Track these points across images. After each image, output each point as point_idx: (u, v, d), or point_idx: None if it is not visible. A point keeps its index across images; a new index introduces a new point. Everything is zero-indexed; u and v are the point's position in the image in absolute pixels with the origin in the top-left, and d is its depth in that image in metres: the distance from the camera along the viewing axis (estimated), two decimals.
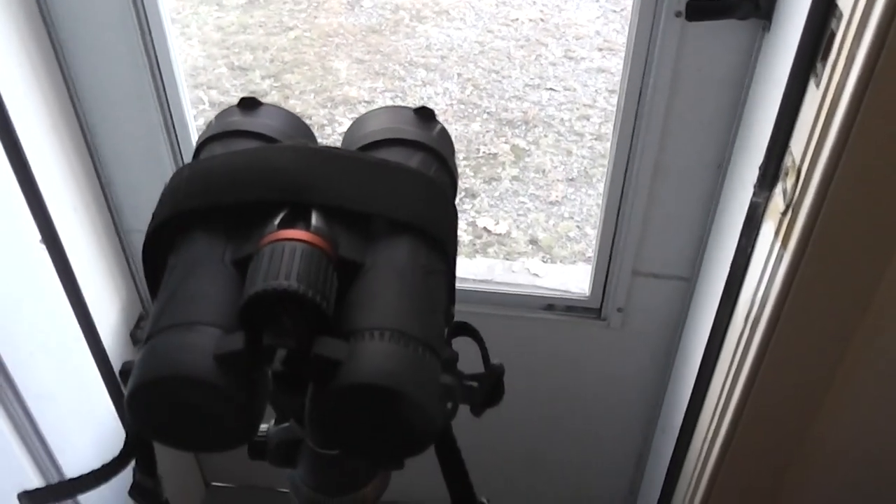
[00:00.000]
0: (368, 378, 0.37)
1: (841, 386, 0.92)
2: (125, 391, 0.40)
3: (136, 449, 0.62)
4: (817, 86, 0.77)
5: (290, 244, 0.40)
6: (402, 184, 0.46)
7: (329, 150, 0.47)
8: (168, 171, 1.20)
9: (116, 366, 1.25)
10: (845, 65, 0.71)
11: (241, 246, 0.42)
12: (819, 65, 0.77)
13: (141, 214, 1.25)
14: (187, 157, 1.20)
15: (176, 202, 0.46)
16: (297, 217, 0.42)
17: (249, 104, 0.53)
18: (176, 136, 1.18)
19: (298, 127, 0.53)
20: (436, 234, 0.44)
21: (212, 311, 0.40)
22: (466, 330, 0.45)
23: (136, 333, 1.34)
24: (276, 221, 0.41)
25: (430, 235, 0.44)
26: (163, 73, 1.11)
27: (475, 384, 0.43)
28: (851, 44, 0.70)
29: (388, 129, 0.51)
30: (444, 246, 0.45)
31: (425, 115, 0.53)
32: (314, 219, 0.42)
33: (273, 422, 0.39)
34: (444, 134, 0.53)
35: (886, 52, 0.68)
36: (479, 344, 0.45)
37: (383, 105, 0.56)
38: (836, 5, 0.74)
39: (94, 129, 1.15)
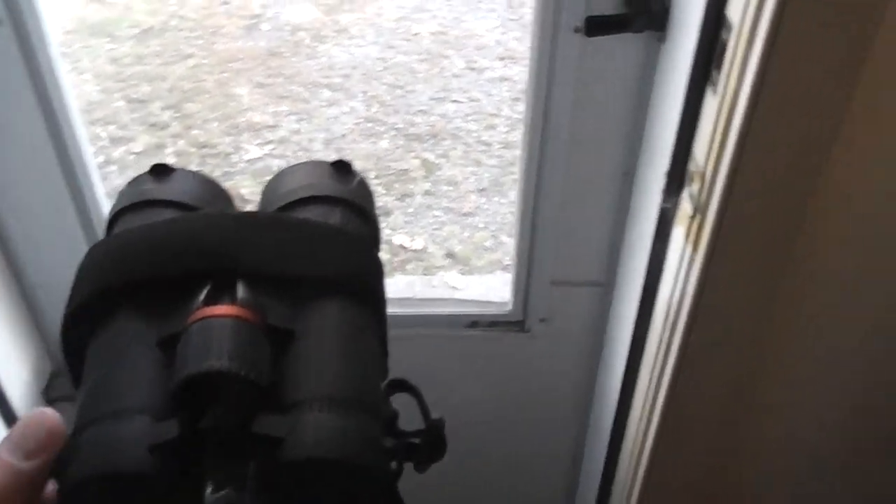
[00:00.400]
0: (311, 451, 0.36)
1: (761, 379, 0.96)
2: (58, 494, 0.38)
3: None
4: (714, 93, 0.80)
5: (219, 321, 0.38)
6: (327, 243, 0.45)
7: (248, 216, 0.46)
8: (71, 221, 1.15)
9: None
10: (739, 72, 0.74)
11: (167, 325, 0.40)
12: (714, 73, 0.80)
13: (44, 268, 1.20)
14: (91, 204, 1.16)
15: (92, 281, 0.43)
16: (223, 289, 0.41)
17: (161, 171, 0.51)
18: (77, 181, 1.13)
19: (214, 191, 0.52)
20: (363, 290, 0.44)
21: (140, 397, 0.38)
22: (403, 386, 0.44)
23: (49, 392, 1.28)
24: (201, 297, 0.40)
25: (357, 293, 0.43)
26: (57, 113, 1.07)
27: (417, 440, 0.42)
28: (744, 52, 0.73)
29: (305, 186, 0.50)
30: (372, 301, 0.44)
31: (342, 168, 0.52)
32: (240, 290, 0.40)
33: (209, 490, 0.37)
34: (363, 185, 0.52)
35: (775, 58, 0.71)
36: (417, 399, 0.45)
37: (298, 162, 0.54)
38: (725, 17, 0.77)
39: None
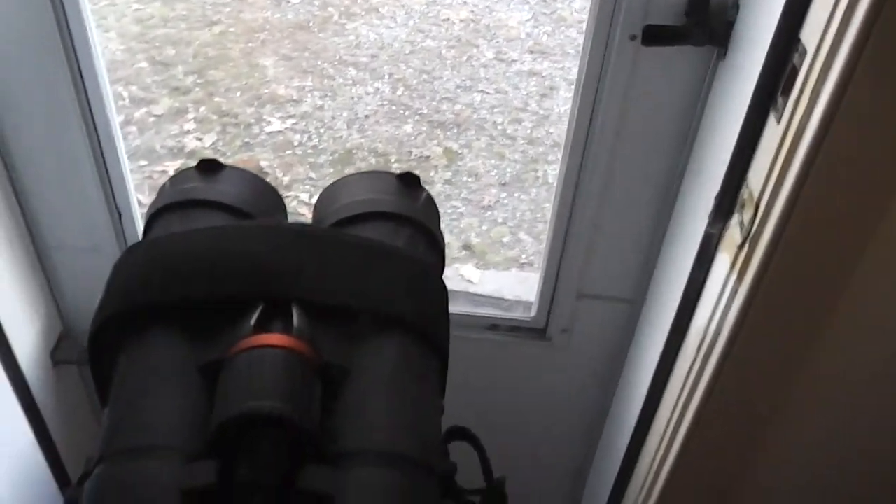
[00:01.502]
0: None
1: (788, 420, 0.92)
2: None
3: None
4: (778, 121, 0.76)
5: (271, 352, 0.34)
6: (391, 271, 0.40)
7: (305, 230, 0.41)
8: (90, 182, 1.12)
9: (35, 388, 1.17)
10: (809, 102, 0.70)
11: (209, 349, 0.36)
12: (780, 98, 0.76)
13: (60, 229, 1.17)
14: (111, 165, 1.12)
15: (128, 293, 0.39)
16: (275, 315, 0.37)
17: (209, 167, 0.47)
18: (99, 140, 1.10)
19: (267, 194, 0.47)
20: (429, 329, 0.40)
21: (175, 431, 0.34)
22: (464, 435, 0.40)
23: (56, 354, 1.25)
24: (252, 321, 0.36)
25: (423, 332, 0.39)
26: (83, 70, 1.03)
27: (476, 500, 0.38)
28: (816, 81, 0.69)
29: (369, 200, 0.46)
30: (438, 341, 0.40)
31: (409, 181, 0.48)
32: (295, 318, 0.36)
33: None
34: (430, 202, 0.48)
35: (851, 91, 0.67)
36: (478, 452, 0.41)
37: (361, 171, 0.49)
38: (799, 41, 0.73)
39: (7, 136, 1.07)
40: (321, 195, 0.48)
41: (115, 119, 1.11)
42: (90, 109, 1.07)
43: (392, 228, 0.45)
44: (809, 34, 0.71)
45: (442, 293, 0.43)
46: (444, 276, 0.44)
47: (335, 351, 0.37)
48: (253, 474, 0.32)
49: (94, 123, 1.08)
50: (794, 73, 0.74)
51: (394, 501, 0.33)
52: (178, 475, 0.33)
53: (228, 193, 0.46)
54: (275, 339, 0.35)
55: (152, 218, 0.45)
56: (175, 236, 0.42)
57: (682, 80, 0.95)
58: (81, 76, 1.03)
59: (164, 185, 0.47)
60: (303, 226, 0.42)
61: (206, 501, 0.33)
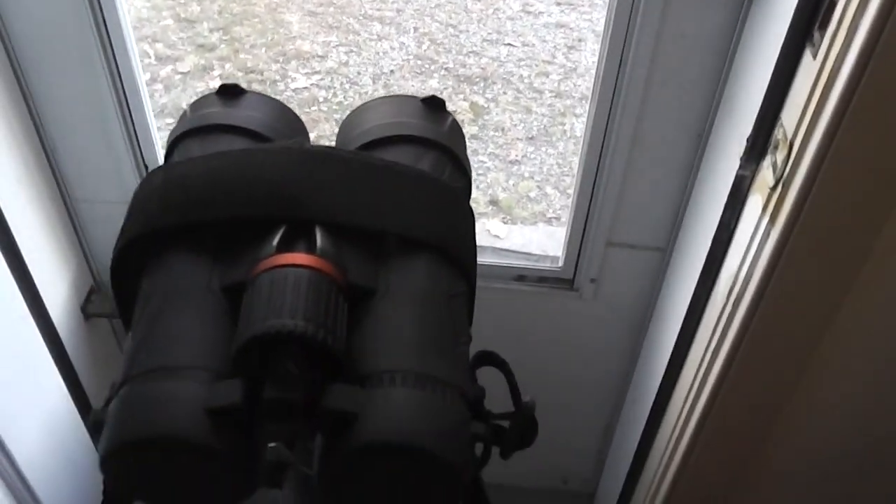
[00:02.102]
0: (389, 436, 0.32)
1: (820, 367, 0.91)
2: (97, 448, 0.34)
3: None
4: (814, 56, 0.74)
5: (294, 271, 0.33)
6: (417, 194, 0.39)
7: (330, 152, 0.40)
8: (117, 137, 1.12)
9: (67, 342, 1.19)
10: (846, 37, 0.68)
11: (232, 270, 0.36)
12: (816, 34, 0.74)
13: (89, 183, 1.18)
14: (138, 120, 1.12)
15: (149, 216, 0.38)
16: (298, 236, 0.36)
17: (230, 92, 0.46)
18: (125, 97, 1.10)
19: (288, 119, 0.46)
20: (456, 252, 0.39)
21: (199, 351, 0.34)
22: (493, 360, 0.40)
23: (87, 308, 1.27)
24: (275, 241, 0.35)
25: (450, 254, 0.39)
26: (108, 25, 1.03)
27: (505, 424, 0.37)
28: (854, 15, 0.66)
29: (394, 123, 0.45)
30: (464, 264, 0.40)
31: (435, 105, 0.46)
32: (319, 238, 0.35)
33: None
34: (456, 127, 0.47)
35: (890, 26, 0.64)
36: (507, 377, 0.40)
37: (386, 95, 0.48)
38: None
39: (36, 92, 1.07)
40: (345, 120, 0.47)
41: (142, 76, 1.11)
42: (117, 67, 1.07)
43: (418, 152, 0.44)
44: None
45: (468, 217, 0.42)
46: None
47: (361, 272, 0.37)
48: (279, 392, 0.32)
49: (121, 81, 1.08)
50: (833, 5, 0.71)
51: (421, 422, 0.33)
52: (204, 394, 0.32)
53: (249, 118, 0.45)
54: (298, 258, 0.35)
55: (173, 144, 0.45)
56: (195, 160, 0.42)
57: (715, 19, 0.92)
58: (108, 33, 1.03)
59: (184, 112, 0.46)
60: (326, 148, 0.41)
61: (232, 420, 0.33)
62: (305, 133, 0.47)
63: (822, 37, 0.72)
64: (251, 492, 0.35)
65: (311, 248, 0.36)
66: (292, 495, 0.49)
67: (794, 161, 0.76)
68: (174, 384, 0.33)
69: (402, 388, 0.33)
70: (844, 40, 0.68)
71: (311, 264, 0.34)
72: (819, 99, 0.72)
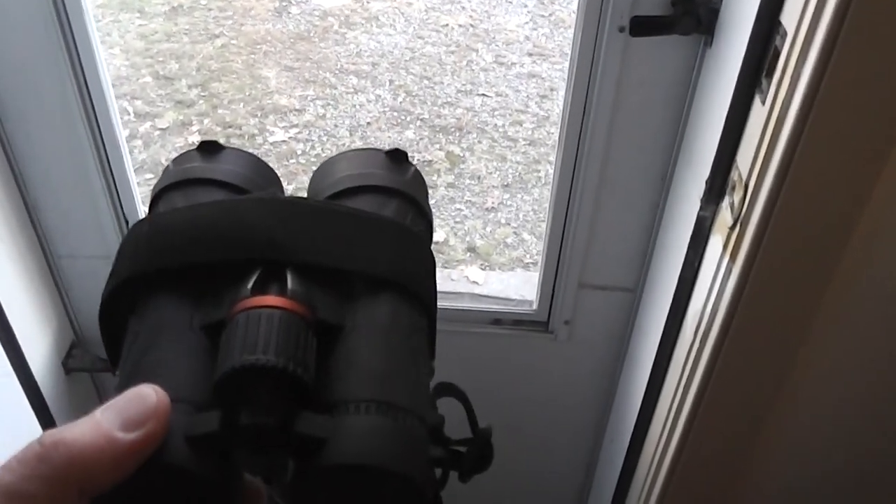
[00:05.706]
0: (355, 458, 0.35)
1: (789, 397, 0.94)
2: None
3: None
4: (763, 102, 0.78)
5: (267, 312, 0.37)
6: (381, 237, 0.43)
7: (300, 202, 0.44)
8: (98, 192, 1.15)
9: (48, 396, 1.19)
10: (791, 82, 0.72)
11: (211, 311, 0.39)
12: (764, 81, 0.78)
13: (71, 239, 1.20)
14: (118, 176, 1.15)
15: (136, 261, 0.41)
16: (271, 278, 0.39)
17: (209, 148, 0.49)
18: (106, 153, 1.13)
19: (264, 172, 0.50)
20: (416, 289, 0.42)
21: (182, 385, 0.37)
22: (451, 391, 0.43)
23: (69, 362, 1.28)
24: (249, 285, 0.38)
25: (410, 292, 0.42)
26: (89, 83, 1.06)
27: (463, 449, 0.40)
28: (797, 62, 0.71)
29: (359, 174, 0.48)
30: (425, 301, 0.43)
31: (397, 157, 0.50)
32: (290, 280, 0.39)
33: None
34: (418, 176, 0.50)
35: (831, 70, 0.69)
36: (464, 405, 0.43)
37: (351, 148, 0.52)
38: (780, 23, 0.75)
39: (19, 150, 1.10)
40: (315, 172, 0.51)
41: (122, 133, 1.14)
42: (97, 124, 1.09)
43: (382, 200, 0.47)
44: (789, 16, 0.73)
45: (428, 257, 0.46)
46: (432, 248, 0.47)
47: (329, 310, 0.40)
48: (253, 419, 0.35)
49: (101, 137, 1.11)
50: (777, 54, 0.75)
51: (384, 445, 0.35)
52: (186, 423, 0.35)
53: (228, 172, 0.48)
54: (270, 300, 0.38)
55: (157, 197, 0.48)
56: (179, 210, 0.45)
57: (672, 69, 0.97)
58: (89, 91, 1.06)
59: (167, 167, 0.49)
60: (297, 199, 0.45)
61: (212, 447, 0.35)
62: (280, 184, 0.51)
63: (769, 84, 0.77)
64: None
65: (282, 290, 0.39)
66: None
67: (749, 201, 0.80)
68: None
69: (366, 416, 0.36)
70: (789, 87, 0.72)
71: (282, 305, 0.37)
72: (769, 142, 0.76)
